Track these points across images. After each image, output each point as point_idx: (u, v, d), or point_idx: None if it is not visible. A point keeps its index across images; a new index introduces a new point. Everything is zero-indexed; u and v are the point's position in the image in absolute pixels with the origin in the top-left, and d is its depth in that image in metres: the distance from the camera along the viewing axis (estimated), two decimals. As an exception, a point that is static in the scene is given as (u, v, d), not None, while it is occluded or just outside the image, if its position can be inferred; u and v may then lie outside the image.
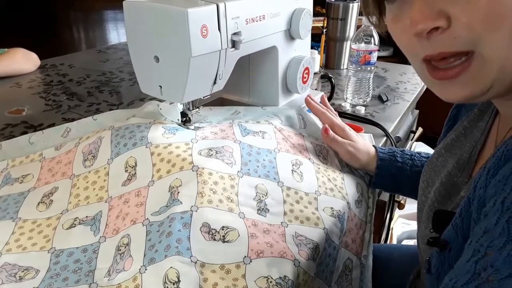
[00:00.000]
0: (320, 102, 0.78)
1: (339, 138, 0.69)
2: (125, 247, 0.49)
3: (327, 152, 0.70)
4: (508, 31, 0.33)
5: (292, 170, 0.63)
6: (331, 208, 0.60)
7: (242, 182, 0.57)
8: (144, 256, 0.46)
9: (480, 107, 0.52)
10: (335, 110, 0.94)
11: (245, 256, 0.48)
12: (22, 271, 0.50)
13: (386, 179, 0.69)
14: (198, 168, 0.55)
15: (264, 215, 0.55)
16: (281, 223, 0.55)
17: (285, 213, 0.56)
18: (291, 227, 0.54)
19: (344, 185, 0.65)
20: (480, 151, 0.47)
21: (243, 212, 0.53)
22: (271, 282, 0.46)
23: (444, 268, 0.40)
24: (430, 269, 0.43)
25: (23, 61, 1.15)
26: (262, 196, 0.57)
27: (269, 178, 0.60)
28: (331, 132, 0.69)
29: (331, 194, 0.62)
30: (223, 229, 0.49)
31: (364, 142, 0.71)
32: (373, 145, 0.73)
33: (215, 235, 0.49)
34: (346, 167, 0.70)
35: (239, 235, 0.49)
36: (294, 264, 0.49)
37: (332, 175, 0.66)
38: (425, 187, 0.53)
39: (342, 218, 0.60)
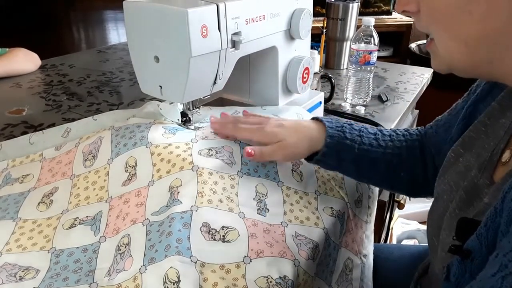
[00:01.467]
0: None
1: (265, 149, 0.58)
2: (125, 247, 0.49)
3: None
4: (444, 31, 0.41)
5: (292, 170, 0.63)
6: (331, 208, 0.60)
7: (242, 182, 0.57)
8: (144, 256, 0.47)
9: (500, 101, 0.49)
10: (336, 110, 0.94)
11: (245, 256, 0.48)
12: (22, 271, 0.50)
13: (332, 157, 0.60)
14: (198, 168, 0.55)
15: (264, 215, 0.55)
16: (281, 223, 0.55)
17: (285, 213, 0.56)
18: (291, 227, 0.54)
19: (343, 185, 0.65)
20: (502, 150, 0.45)
21: (243, 212, 0.53)
22: (271, 282, 0.46)
23: (465, 277, 0.39)
24: (449, 276, 0.41)
25: (24, 61, 1.15)
26: (262, 196, 0.57)
27: (269, 178, 0.60)
28: (254, 150, 0.58)
29: (331, 194, 0.62)
30: (223, 229, 0.50)
31: (292, 126, 0.61)
32: (314, 118, 0.64)
33: (215, 235, 0.49)
34: None
35: (239, 235, 0.49)
36: (294, 264, 0.49)
37: (332, 174, 0.66)
38: (450, 191, 0.49)
39: (342, 218, 0.60)
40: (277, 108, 0.77)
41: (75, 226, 0.55)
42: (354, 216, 0.64)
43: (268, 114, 0.73)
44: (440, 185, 0.53)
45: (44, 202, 0.60)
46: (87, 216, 0.56)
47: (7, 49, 1.15)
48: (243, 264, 0.47)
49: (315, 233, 0.55)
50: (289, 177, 0.61)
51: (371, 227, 0.68)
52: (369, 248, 0.65)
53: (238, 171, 0.58)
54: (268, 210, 0.56)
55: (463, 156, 0.51)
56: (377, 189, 0.72)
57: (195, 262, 0.46)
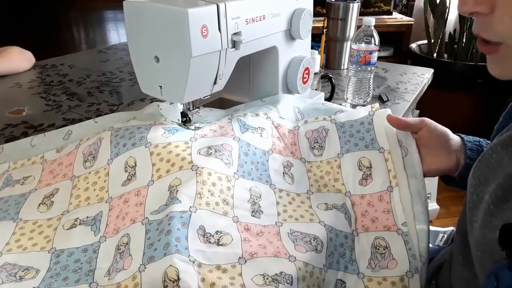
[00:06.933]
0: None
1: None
2: (124, 246, 0.49)
3: (325, 134, 0.67)
4: None
5: (284, 173, 0.63)
6: (325, 203, 0.60)
7: (237, 184, 0.58)
8: (143, 254, 0.47)
9: None
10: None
11: (240, 257, 0.49)
12: (22, 271, 0.50)
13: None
14: (198, 167, 0.55)
15: (259, 217, 0.56)
16: (276, 222, 0.55)
17: (278, 214, 0.57)
18: (286, 225, 0.55)
19: (340, 174, 0.63)
20: None
21: (237, 216, 0.54)
22: (267, 278, 0.47)
23: None
24: (499, 285, 0.38)
25: (18, 59, 1.14)
26: (256, 199, 0.58)
27: (262, 181, 0.60)
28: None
29: (325, 190, 0.62)
30: (217, 233, 0.51)
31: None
32: (459, 135, 0.62)
33: (210, 239, 0.50)
34: (346, 145, 0.65)
35: (232, 239, 0.51)
36: (289, 260, 0.50)
37: (326, 168, 0.64)
38: (477, 185, 0.47)
39: (342, 208, 0.59)
40: (276, 98, 0.76)
41: (75, 227, 0.55)
42: (362, 197, 0.61)
43: (268, 106, 0.73)
44: (470, 179, 0.50)
45: (44, 203, 0.60)
46: (87, 217, 0.56)
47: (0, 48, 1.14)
48: (239, 265, 0.48)
49: (312, 227, 0.55)
50: (281, 180, 0.62)
51: (399, 189, 0.60)
52: (407, 213, 0.58)
53: (235, 173, 0.58)
54: (262, 212, 0.57)
55: (498, 153, 0.48)
56: (399, 153, 0.63)
57: (193, 262, 0.46)
